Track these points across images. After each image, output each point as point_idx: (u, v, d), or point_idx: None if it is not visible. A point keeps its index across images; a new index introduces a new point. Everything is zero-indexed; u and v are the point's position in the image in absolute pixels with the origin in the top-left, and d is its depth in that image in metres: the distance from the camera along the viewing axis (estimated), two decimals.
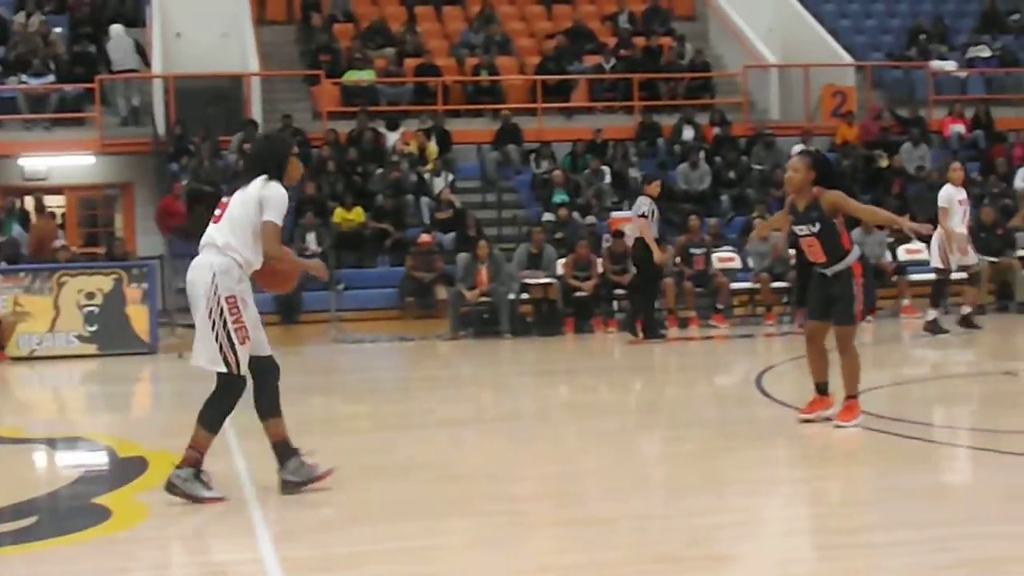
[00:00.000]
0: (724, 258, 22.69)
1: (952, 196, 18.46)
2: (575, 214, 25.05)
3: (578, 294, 21.46)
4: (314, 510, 8.30)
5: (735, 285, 22.16)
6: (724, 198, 26.57)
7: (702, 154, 27.45)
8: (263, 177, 8.64)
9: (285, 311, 23.34)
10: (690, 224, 22.44)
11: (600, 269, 21.64)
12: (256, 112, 28.06)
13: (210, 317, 8.43)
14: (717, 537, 7.42)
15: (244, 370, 8.58)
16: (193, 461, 8.51)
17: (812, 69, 30.66)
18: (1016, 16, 34.63)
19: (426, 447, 10.73)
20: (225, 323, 8.44)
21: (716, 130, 28.88)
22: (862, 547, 7.08)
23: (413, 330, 21.29)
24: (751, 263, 22.42)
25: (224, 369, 8.52)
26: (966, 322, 19.09)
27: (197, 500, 8.43)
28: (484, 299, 21.05)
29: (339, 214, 24.94)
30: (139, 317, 19.26)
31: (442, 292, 22.63)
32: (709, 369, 17.11)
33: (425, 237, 24.14)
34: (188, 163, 26.13)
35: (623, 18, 32.87)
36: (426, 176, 26.54)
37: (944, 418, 10.84)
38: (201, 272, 8.52)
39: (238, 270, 8.51)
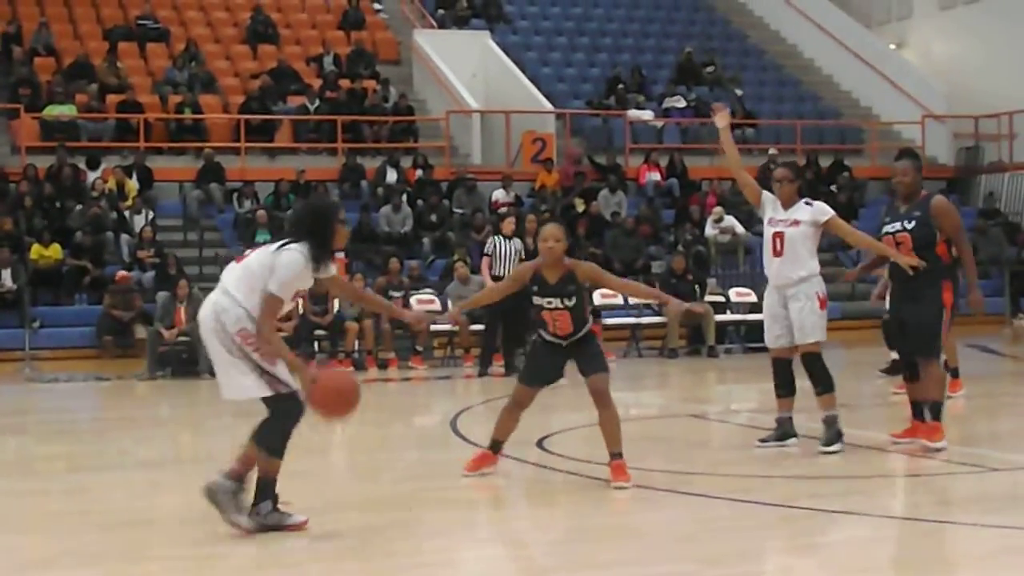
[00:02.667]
0: (424, 300, 22.88)
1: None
2: None
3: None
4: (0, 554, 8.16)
5: (435, 328, 22.37)
6: (426, 241, 26.82)
7: (404, 197, 27.66)
8: (288, 242, 8.59)
9: None
10: (390, 266, 22.66)
11: (300, 310, 21.68)
12: None
13: (233, 355, 8.37)
14: None
15: (294, 386, 8.44)
16: (237, 475, 8.48)
17: (513, 116, 31.20)
18: (710, 68, 35.80)
19: (121, 490, 10.61)
20: (248, 354, 8.34)
21: (419, 173, 29.15)
22: None
23: (111, 369, 20.98)
24: (451, 306, 22.63)
25: (271, 392, 8.42)
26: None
27: (227, 519, 8.40)
28: (183, 338, 20.87)
29: (36, 250, 24.43)
30: None
31: (141, 331, 22.31)
32: (407, 410, 17.24)
33: (123, 273, 23.82)
34: None
35: (328, 60, 33.02)
36: (126, 213, 26.21)
37: (633, 459, 11.13)
38: (205, 310, 8.47)
39: (238, 310, 8.37)
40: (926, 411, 11.55)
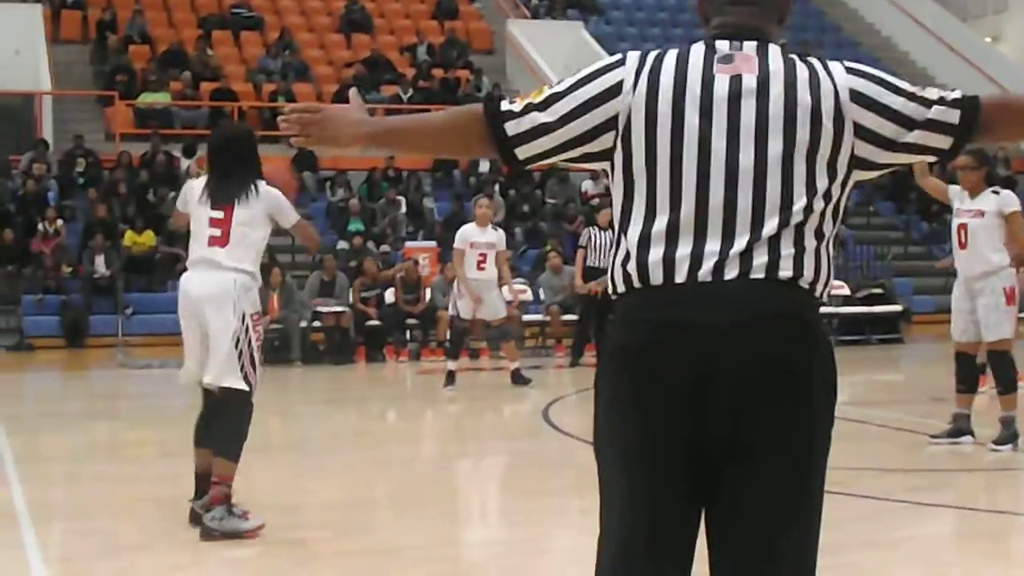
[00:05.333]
0: (517, 290, 22.83)
1: (467, 235, 16.79)
2: (370, 243, 25.06)
3: (370, 322, 21.50)
4: (91, 538, 8.19)
5: (526, 317, 22.33)
6: (518, 231, 26.75)
7: (497, 187, 27.64)
8: (261, 187, 8.17)
9: (71, 335, 22.98)
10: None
11: (392, 298, 21.74)
12: (47, 132, 27.60)
13: (234, 335, 7.95)
14: (500, 566, 7.48)
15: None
16: (223, 498, 7.92)
17: None
18: None
19: None
20: (250, 341, 8.00)
21: None
22: None
23: None
24: (543, 296, 22.62)
25: (245, 387, 8.01)
26: (516, 378, 17.33)
27: (239, 535, 7.91)
28: (275, 326, 20.94)
29: (130, 237, 24.62)
30: None
31: None
32: (498, 400, 17.19)
33: None
34: None
35: (422, 50, 33.03)
36: None
37: None
38: (219, 287, 8.04)
39: (255, 287, 8.15)
40: None
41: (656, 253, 3.52)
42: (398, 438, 13.65)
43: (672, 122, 3.58)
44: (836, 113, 3.56)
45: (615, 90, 3.71)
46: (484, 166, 28.72)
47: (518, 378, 16.98)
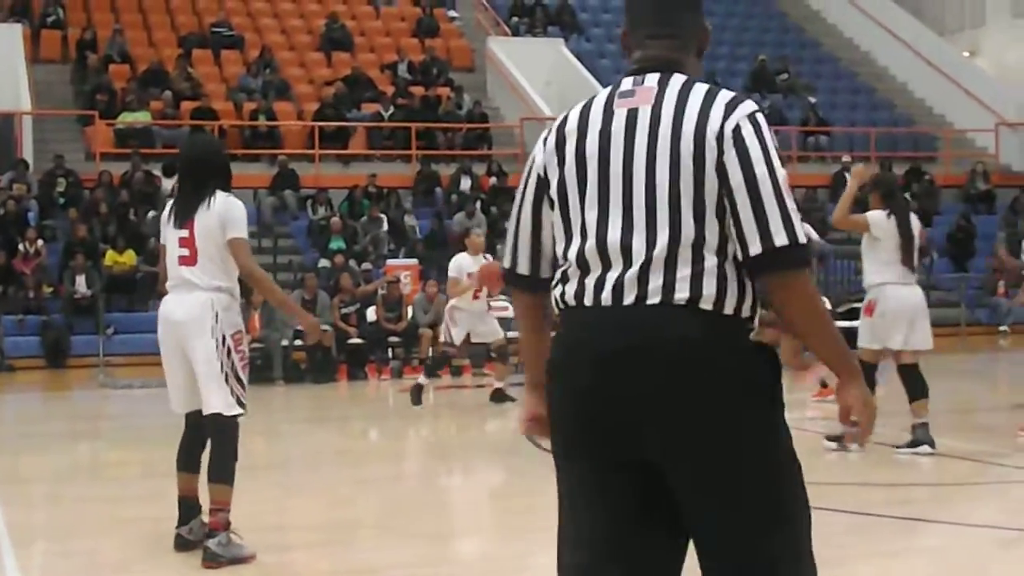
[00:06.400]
0: (498, 307, 22.80)
1: (463, 266, 17.00)
2: (351, 261, 25.05)
3: (352, 341, 21.46)
4: (73, 559, 8.16)
5: (511, 334, 22.27)
6: (499, 248, 26.75)
7: (479, 204, 27.66)
8: (217, 195, 7.85)
9: (52, 355, 22.91)
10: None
11: (374, 316, 21.71)
12: (27, 152, 27.56)
13: (217, 359, 7.75)
14: None
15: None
16: (226, 523, 7.76)
17: None
18: (784, 76, 35.60)
19: None
20: (233, 363, 7.80)
21: (493, 180, 29.14)
22: None
23: None
24: None
25: (238, 411, 7.88)
26: (497, 396, 17.53)
27: (242, 561, 7.75)
28: (257, 345, 20.90)
29: (110, 256, 24.56)
30: None
31: None
32: (481, 417, 17.19)
33: None
34: None
35: (402, 67, 33.06)
36: None
37: None
38: (196, 309, 7.81)
39: (236, 304, 7.93)
40: None
41: (572, 282, 3.71)
42: (381, 456, 13.63)
43: (576, 160, 3.76)
44: (719, 138, 3.63)
45: (537, 151, 3.92)
46: (465, 184, 28.73)
47: (501, 397, 17.01)
